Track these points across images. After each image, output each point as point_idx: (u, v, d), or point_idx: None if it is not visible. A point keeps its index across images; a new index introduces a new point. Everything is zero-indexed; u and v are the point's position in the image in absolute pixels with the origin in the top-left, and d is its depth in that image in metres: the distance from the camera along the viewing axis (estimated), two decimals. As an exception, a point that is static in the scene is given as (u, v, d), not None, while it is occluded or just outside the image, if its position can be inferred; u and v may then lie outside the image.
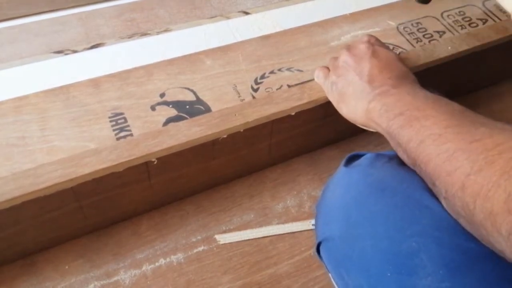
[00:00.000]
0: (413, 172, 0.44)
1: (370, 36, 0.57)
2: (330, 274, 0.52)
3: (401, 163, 0.46)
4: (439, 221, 0.40)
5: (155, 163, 0.54)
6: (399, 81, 0.49)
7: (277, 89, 0.66)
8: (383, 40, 0.76)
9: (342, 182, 0.49)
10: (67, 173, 0.51)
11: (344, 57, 0.54)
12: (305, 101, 0.60)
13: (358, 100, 0.50)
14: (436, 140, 0.39)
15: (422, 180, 0.43)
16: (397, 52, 0.72)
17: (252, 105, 0.59)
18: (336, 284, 0.51)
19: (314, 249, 0.52)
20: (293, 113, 0.59)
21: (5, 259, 0.58)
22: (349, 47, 0.56)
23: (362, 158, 0.50)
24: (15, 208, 0.50)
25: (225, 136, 0.56)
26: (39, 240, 0.58)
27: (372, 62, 0.51)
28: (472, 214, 0.34)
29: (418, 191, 0.43)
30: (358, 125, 0.53)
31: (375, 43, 0.56)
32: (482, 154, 0.35)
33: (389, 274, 0.41)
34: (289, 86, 0.67)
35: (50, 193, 0.50)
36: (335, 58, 0.58)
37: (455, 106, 0.43)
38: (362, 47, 0.54)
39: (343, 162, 0.52)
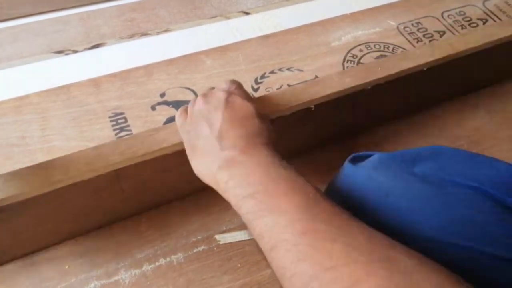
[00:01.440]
0: (416, 178, 0.43)
1: (232, 82, 0.51)
2: None
3: (405, 167, 0.45)
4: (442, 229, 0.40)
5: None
6: (250, 143, 0.42)
7: (277, 89, 0.67)
8: (383, 40, 0.76)
9: (345, 186, 0.47)
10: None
11: (198, 105, 0.48)
12: (437, 57, 0.64)
13: (207, 157, 0.44)
14: (290, 251, 0.33)
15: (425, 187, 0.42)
16: (397, 52, 0.72)
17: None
18: None
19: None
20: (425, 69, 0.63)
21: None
22: (205, 94, 0.49)
23: (367, 161, 0.48)
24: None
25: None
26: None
27: (225, 114, 0.45)
28: None
29: None
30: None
31: (234, 91, 0.48)
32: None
33: None
34: (289, 86, 0.67)
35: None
36: (194, 102, 0.50)
37: (309, 192, 0.37)
38: (219, 95, 0.47)
39: (346, 163, 0.50)
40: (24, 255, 0.59)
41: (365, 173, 0.46)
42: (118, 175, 0.53)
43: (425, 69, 0.64)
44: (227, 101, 0.46)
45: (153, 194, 0.62)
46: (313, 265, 0.32)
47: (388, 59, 0.64)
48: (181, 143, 0.52)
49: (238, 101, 0.46)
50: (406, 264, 0.30)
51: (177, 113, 0.53)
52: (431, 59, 0.64)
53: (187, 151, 0.49)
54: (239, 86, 0.50)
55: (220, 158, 0.42)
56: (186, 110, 0.52)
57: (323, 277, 0.31)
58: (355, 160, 0.49)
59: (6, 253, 0.57)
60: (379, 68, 0.62)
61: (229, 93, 0.47)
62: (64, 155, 0.51)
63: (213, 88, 0.53)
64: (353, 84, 0.60)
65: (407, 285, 0.29)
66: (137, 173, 0.54)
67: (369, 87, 0.61)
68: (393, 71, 0.62)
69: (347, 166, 0.48)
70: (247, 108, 0.46)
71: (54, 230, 0.58)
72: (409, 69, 0.63)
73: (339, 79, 0.60)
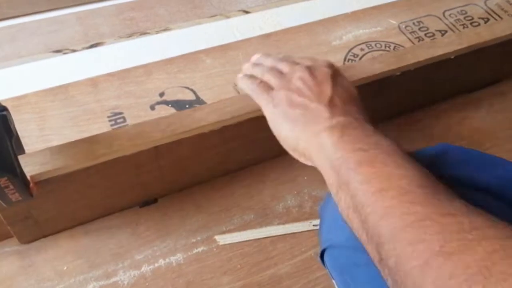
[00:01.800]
0: None
1: (331, 63, 0.51)
2: (333, 281, 0.51)
3: None
4: None
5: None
6: (358, 117, 0.43)
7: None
8: (384, 39, 0.76)
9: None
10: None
11: (301, 73, 0.47)
12: (464, 45, 0.64)
13: (308, 124, 0.43)
14: (403, 195, 0.32)
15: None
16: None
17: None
18: None
19: (318, 256, 0.51)
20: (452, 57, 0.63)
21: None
22: (308, 66, 0.48)
23: None
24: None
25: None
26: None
27: (335, 88, 0.45)
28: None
29: None
30: (290, 152, 0.46)
31: (338, 71, 0.49)
32: (458, 234, 0.28)
33: None
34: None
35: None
36: (278, 73, 0.50)
37: (421, 166, 0.36)
38: (325, 70, 0.47)
39: None
40: (64, 229, 0.60)
41: None
42: (157, 152, 0.55)
43: (452, 57, 0.65)
44: (335, 77, 0.47)
45: (187, 173, 0.63)
46: (429, 208, 0.31)
47: (420, 45, 0.66)
48: (218, 123, 0.55)
49: (345, 81, 0.48)
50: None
51: (243, 81, 0.52)
52: (459, 47, 0.65)
53: (276, 117, 0.47)
54: (338, 67, 0.51)
55: (332, 122, 0.42)
56: (254, 79, 0.52)
57: (440, 220, 0.30)
58: None
59: (49, 225, 0.58)
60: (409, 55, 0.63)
61: (335, 71, 0.48)
62: (107, 131, 0.53)
63: (297, 60, 0.51)
64: (385, 69, 0.62)
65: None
66: (175, 150, 0.56)
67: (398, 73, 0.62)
68: (423, 58, 0.63)
69: None
70: (353, 90, 0.47)
71: (93, 206, 0.60)
72: (438, 56, 0.64)
73: (370, 64, 0.62)
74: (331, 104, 0.44)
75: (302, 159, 0.45)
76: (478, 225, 0.28)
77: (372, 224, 0.33)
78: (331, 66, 0.49)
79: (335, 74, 0.48)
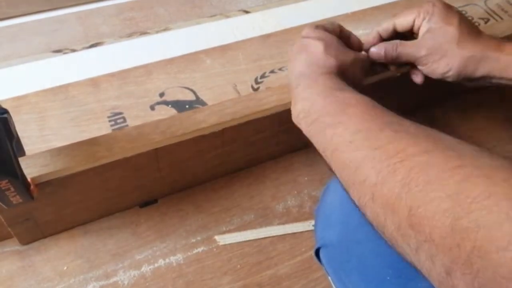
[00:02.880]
0: None
1: (308, 27, 0.54)
2: (329, 278, 0.52)
3: None
4: None
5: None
6: (312, 77, 0.47)
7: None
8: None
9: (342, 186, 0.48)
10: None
11: (295, 45, 0.53)
12: None
13: (292, 99, 0.49)
14: (348, 147, 0.38)
15: None
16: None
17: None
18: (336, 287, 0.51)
19: (313, 253, 0.52)
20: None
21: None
22: (302, 36, 0.53)
23: None
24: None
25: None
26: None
27: (297, 58, 0.50)
28: (383, 225, 0.33)
29: None
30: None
31: (307, 35, 0.52)
32: (385, 161, 0.33)
33: (388, 278, 0.41)
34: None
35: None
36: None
37: (365, 102, 0.42)
38: (299, 41, 0.52)
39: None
40: (64, 230, 0.60)
41: None
42: (157, 154, 0.55)
43: None
44: (300, 46, 0.51)
45: (187, 175, 0.63)
46: (365, 149, 0.36)
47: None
48: (218, 124, 0.55)
49: (308, 42, 0.51)
50: (450, 142, 0.34)
51: None
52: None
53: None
54: (315, 28, 0.54)
55: (294, 97, 0.48)
56: None
57: (372, 155, 0.35)
58: None
59: (50, 226, 0.58)
60: None
61: (304, 38, 0.52)
62: (107, 133, 0.53)
63: None
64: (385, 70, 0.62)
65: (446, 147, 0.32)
66: (176, 152, 0.56)
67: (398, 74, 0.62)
68: None
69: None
70: (315, 46, 0.50)
71: (93, 207, 0.59)
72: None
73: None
74: (292, 74, 0.49)
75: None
76: (401, 148, 0.33)
77: (339, 179, 0.39)
78: (304, 34, 0.53)
79: (303, 39, 0.51)
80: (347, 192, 0.39)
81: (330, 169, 0.41)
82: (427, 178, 0.30)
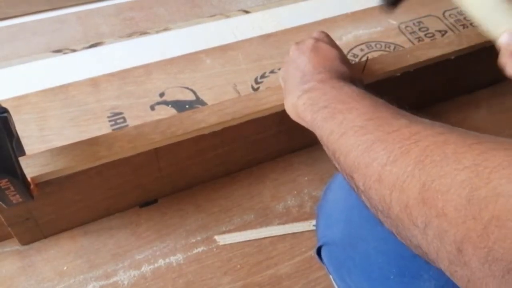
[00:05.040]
0: None
1: (321, 32, 0.57)
2: (331, 276, 0.52)
3: None
4: None
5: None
6: (328, 77, 0.48)
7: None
8: (384, 39, 0.76)
9: (344, 184, 0.48)
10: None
11: (290, 51, 0.55)
12: (464, 46, 0.64)
13: (290, 93, 0.50)
14: (357, 131, 0.38)
15: None
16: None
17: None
18: (338, 286, 0.50)
19: (314, 252, 0.52)
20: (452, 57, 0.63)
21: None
22: (298, 43, 0.55)
23: None
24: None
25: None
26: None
27: (310, 56, 0.51)
28: (389, 207, 0.33)
29: None
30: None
31: (321, 39, 0.55)
32: (399, 143, 0.33)
33: (392, 277, 0.41)
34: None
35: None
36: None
37: (379, 100, 0.42)
38: (307, 42, 0.53)
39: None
40: (64, 230, 0.60)
41: None
42: (157, 153, 0.55)
43: (452, 58, 0.65)
44: (313, 46, 0.52)
45: (187, 174, 0.63)
46: (377, 133, 0.36)
47: (420, 46, 0.66)
48: (218, 124, 0.55)
49: (323, 46, 0.53)
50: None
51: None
52: (459, 47, 0.65)
53: (283, 92, 0.55)
54: (327, 35, 0.57)
55: (300, 90, 0.48)
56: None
57: (385, 138, 0.35)
58: None
59: (50, 226, 0.58)
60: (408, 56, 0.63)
61: (317, 40, 0.54)
62: (107, 133, 0.53)
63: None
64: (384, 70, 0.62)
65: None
66: (176, 151, 0.56)
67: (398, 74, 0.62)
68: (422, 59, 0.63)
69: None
70: (330, 52, 0.52)
71: (93, 207, 0.59)
72: (438, 56, 0.64)
73: (371, 65, 0.63)
74: (303, 74, 0.50)
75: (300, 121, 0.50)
76: (417, 131, 0.33)
77: (343, 164, 0.38)
78: (315, 36, 0.55)
79: (316, 42, 0.53)
80: (348, 180, 0.38)
81: (330, 155, 0.41)
82: (443, 154, 0.29)
